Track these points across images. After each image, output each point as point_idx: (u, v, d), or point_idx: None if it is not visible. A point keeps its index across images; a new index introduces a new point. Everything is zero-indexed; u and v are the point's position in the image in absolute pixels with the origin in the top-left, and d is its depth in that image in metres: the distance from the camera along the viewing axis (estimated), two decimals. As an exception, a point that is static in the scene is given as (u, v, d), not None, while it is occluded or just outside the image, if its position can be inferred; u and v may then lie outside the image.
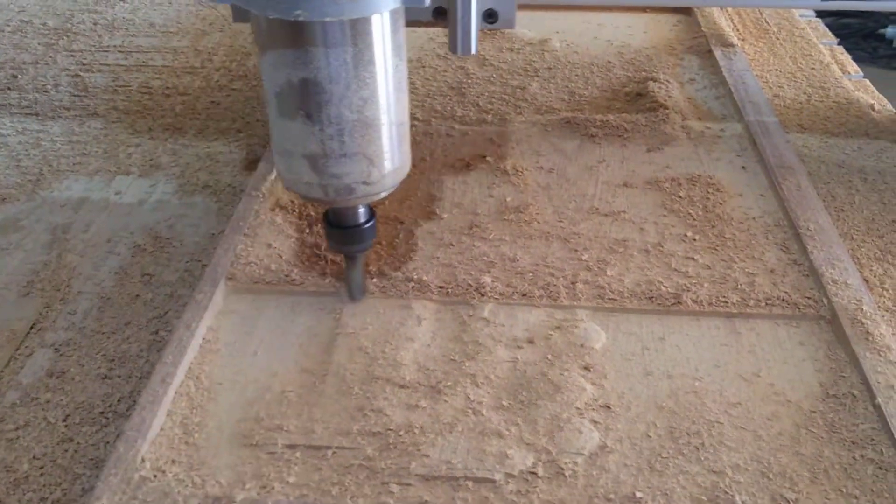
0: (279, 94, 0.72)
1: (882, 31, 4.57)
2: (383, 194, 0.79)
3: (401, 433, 0.76)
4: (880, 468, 0.73)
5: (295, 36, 0.67)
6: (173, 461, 0.74)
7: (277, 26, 0.68)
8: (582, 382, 0.81)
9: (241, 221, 1.01)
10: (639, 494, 0.71)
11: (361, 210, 0.83)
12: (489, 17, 0.82)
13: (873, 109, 1.38)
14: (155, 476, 0.72)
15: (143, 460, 0.73)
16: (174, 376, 0.80)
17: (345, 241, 0.85)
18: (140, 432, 0.75)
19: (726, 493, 0.71)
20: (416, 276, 0.94)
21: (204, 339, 0.87)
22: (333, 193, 0.76)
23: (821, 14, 1.76)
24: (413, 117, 1.27)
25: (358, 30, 0.68)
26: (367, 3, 0.66)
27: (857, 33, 4.60)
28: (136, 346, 0.91)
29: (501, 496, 0.71)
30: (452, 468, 0.73)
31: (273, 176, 1.09)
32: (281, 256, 0.97)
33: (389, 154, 0.76)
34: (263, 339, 0.87)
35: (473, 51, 0.76)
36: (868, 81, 1.50)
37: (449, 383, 0.81)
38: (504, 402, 0.79)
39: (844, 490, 0.71)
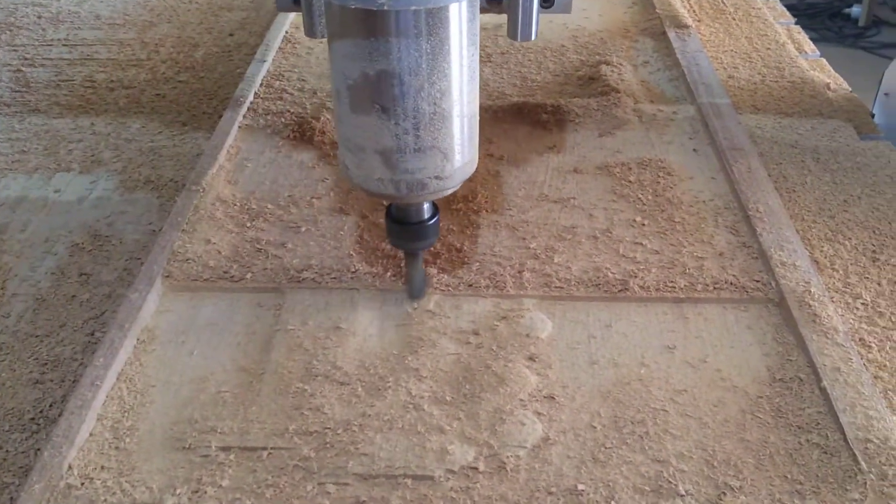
0: (352, 88, 0.68)
1: (847, 10, 4.59)
2: (452, 189, 0.76)
3: (339, 431, 0.74)
4: (825, 453, 0.72)
5: (375, 26, 0.64)
6: (102, 467, 0.71)
7: (356, 17, 0.65)
8: (526, 373, 0.80)
9: (180, 217, 0.98)
10: (581, 487, 0.69)
11: (426, 206, 0.80)
12: (545, 1, 0.78)
13: (829, 89, 1.37)
14: (82, 484, 0.70)
15: (69, 467, 0.71)
16: (105, 379, 0.78)
17: (409, 237, 0.81)
18: (67, 438, 0.72)
19: (669, 482, 0.70)
20: (360, 268, 0.92)
21: (138, 339, 0.84)
22: (405, 189, 0.73)
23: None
24: (361, 106, 1.24)
25: (439, 19, 0.65)
26: None
27: (823, 13, 4.62)
28: (71, 349, 0.88)
29: (441, 493, 0.69)
30: (391, 466, 0.71)
31: (214, 170, 1.07)
32: (220, 252, 0.94)
33: (461, 147, 0.73)
34: (200, 338, 0.84)
35: (534, 36, 0.73)
36: (825, 61, 1.49)
37: (390, 379, 0.79)
38: (446, 397, 0.77)
39: (789, 476, 0.70)
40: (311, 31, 0.72)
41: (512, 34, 0.74)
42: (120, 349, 0.81)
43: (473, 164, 0.77)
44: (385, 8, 0.63)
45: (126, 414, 0.76)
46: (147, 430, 0.75)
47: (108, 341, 0.82)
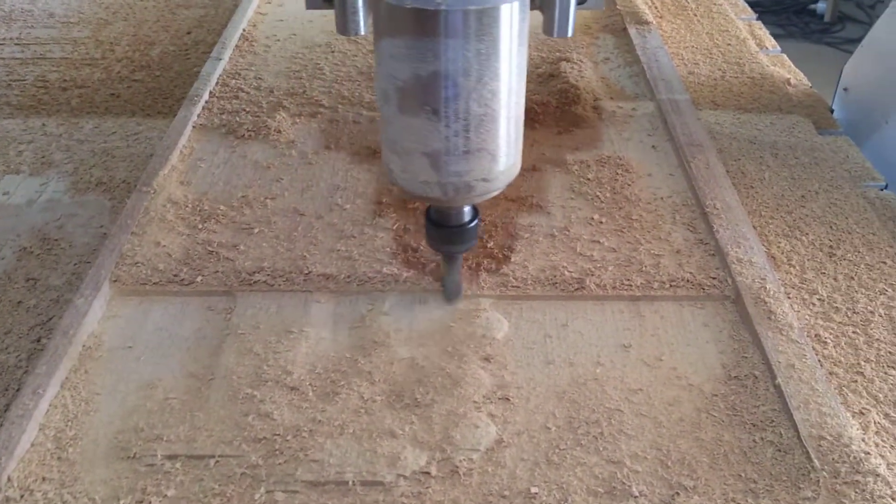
0: (401, 90, 0.67)
1: (813, 6, 4.62)
2: (496, 192, 0.74)
3: (288, 438, 0.72)
4: (779, 450, 0.71)
5: (429, 27, 0.63)
6: (44, 479, 0.69)
7: (410, 17, 0.63)
8: (481, 375, 0.79)
9: (129, 219, 0.96)
10: (534, 490, 0.68)
11: (467, 209, 0.78)
12: None
13: (789, 84, 1.38)
14: (22, 496, 0.67)
15: (9, 479, 0.69)
16: (48, 387, 0.76)
17: (449, 240, 0.80)
18: (7, 449, 0.70)
19: (623, 483, 0.69)
20: (314, 270, 0.90)
21: (84, 346, 0.82)
22: (452, 192, 0.71)
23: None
24: (319, 104, 1.22)
25: (494, 19, 0.63)
26: None
27: (789, 9, 4.66)
28: (15, 357, 0.85)
29: (392, 499, 0.67)
30: (342, 472, 0.69)
31: (166, 170, 1.04)
32: (170, 255, 0.92)
33: (508, 149, 0.71)
34: (149, 343, 0.82)
35: (570, 32, 0.71)
36: (785, 56, 1.50)
37: (342, 383, 0.77)
38: (399, 400, 0.76)
39: (743, 475, 0.69)
40: (344, 30, 0.69)
41: (548, 31, 0.71)
42: (64, 356, 0.79)
43: (518, 165, 0.75)
44: (442, 8, 0.61)
45: (70, 423, 0.74)
46: (91, 440, 0.73)
47: (52, 348, 0.79)
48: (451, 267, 0.84)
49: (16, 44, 1.51)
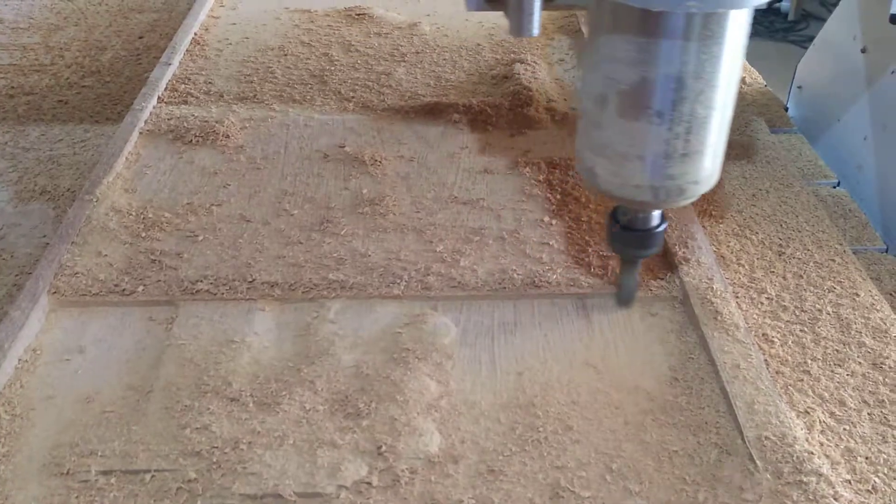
0: (623, 93, 0.65)
1: (777, 4, 4.67)
2: (700, 194, 0.73)
3: (226, 450, 0.70)
4: (724, 452, 0.71)
5: (670, 29, 0.61)
6: (-28, 499, 0.67)
7: (649, 20, 0.61)
8: (426, 381, 0.78)
9: (70, 229, 0.94)
10: (475, 500, 0.67)
11: (656, 213, 0.77)
12: None
13: (743, 83, 1.38)
14: (-51, 517, 0.66)
15: (-65, 501, 0.67)
16: (-21, 404, 0.74)
17: (637, 244, 0.78)
18: (-66, 469, 0.68)
19: (569, 489, 0.68)
20: (258, 278, 0.89)
21: (20, 359, 0.80)
22: (664, 195, 0.70)
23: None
24: (270, 108, 1.21)
25: (732, 22, 0.62)
26: None
27: (754, 8, 4.70)
28: (-50, 372, 0.83)
29: (332, 511, 0.66)
30: (280, 484, 0.68)
31: (110, 178, 1.02)
32: (112, 265, 0.90)
33: (718, 151, 0.70)
34: (87, 355, 0.80)
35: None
36: (741, 55, 1.50)
37: (284, 392, 0.76)
38: (342, 409, 0.75)
39: (688, 478, 0.69)
40: (519, 31, 0.66)
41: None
42: (-2, 371, 0.77)
43: (720, 168, 0.74)
44: (693, 10, 0.60)
45: (3, 440, 0.72)
46: (25, 456, 0.71)
47: (-14, 363, 0.77)
48: (631, 272, 0.83)
49: (-37, 50, 1.48)
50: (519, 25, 0.66)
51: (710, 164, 0.70)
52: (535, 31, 0.66)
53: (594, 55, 0.67)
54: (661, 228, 0.78)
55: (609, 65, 0.66)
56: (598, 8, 0.65)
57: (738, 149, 1.17)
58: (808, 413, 0.76)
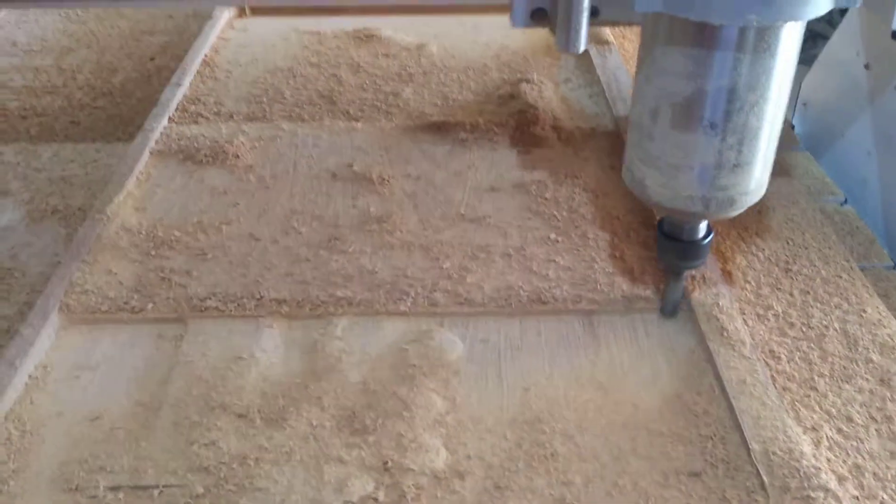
0: (677, 105, 0.67)
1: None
2: (750, 205, 0.74)
3: (234, 466, 0.71)
4: (730, 468, 0.71)
5: (728, 42, 0.63)
6: (-18, 514, 0.68)
7: (709, 33, 0.63)
8: (433, 398, 0.78)
9: (81, 247, 0.95)
10: (482, 514, 0.67)
11: (703, 224, 0.78)
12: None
13: (749, 101, 1.38)
14: (-41, 532, 0.66)
15: (-55, 516, 0.67)
16: (-10, 420, 0.74)
17: (685, 255, 0.79)
18: (-55, 485, 0.69)
19: (574, 505, 0.68)
20: (266, 295, 0.89)
21: (30, 376, 0.81)
22: (715, 207, 0.71)
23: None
24: (278, 128, 1.22)
25: (786, 36, 0.64)
26: (815, 4, 0.61)
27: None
28: (-38, 389, 0.84)
29: (338, 526, 0.66)
30: (287, 500, 0.68)
31: (121, 197, 1.04)
32: (122, 283, 0.91)
33: (768, 162, 0.71)
34: (96, 372, 0.81)
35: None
36: (746, 74, 1.51)
37: (291, 409, 0.76)
38: (349, 425, 0.75)
39: (695, 494, 0.69)
40: (567, 46, 0.67)
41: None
42: (8, 387, 0.77)
43: (768, 180, 0.75)
44: (755, 24, 0.61)
45: (13, 455, 0.73)
46: (34, 472, 0.71)
47: (-3, 379, 0.78)
48: (676, 283, 0.84)
49: (-23, 73, 1.50)
50: (566, 41, 0.66)
51: (759, 174, 0.71)
52: (582, 46, 0.67)
53: (648, 68, 0.68)
54: (708, 240, 0.78)
55: (664, 77, 0.67)
56: (654, 22, 0.66)
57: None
58: (816, 429, 0.76)
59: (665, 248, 0.80)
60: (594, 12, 0.66)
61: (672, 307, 0.86)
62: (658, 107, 0.68)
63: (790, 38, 0.64)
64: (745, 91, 0.65)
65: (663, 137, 0.69)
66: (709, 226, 0.79)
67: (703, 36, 0.63)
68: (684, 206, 0.72)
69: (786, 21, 0.62)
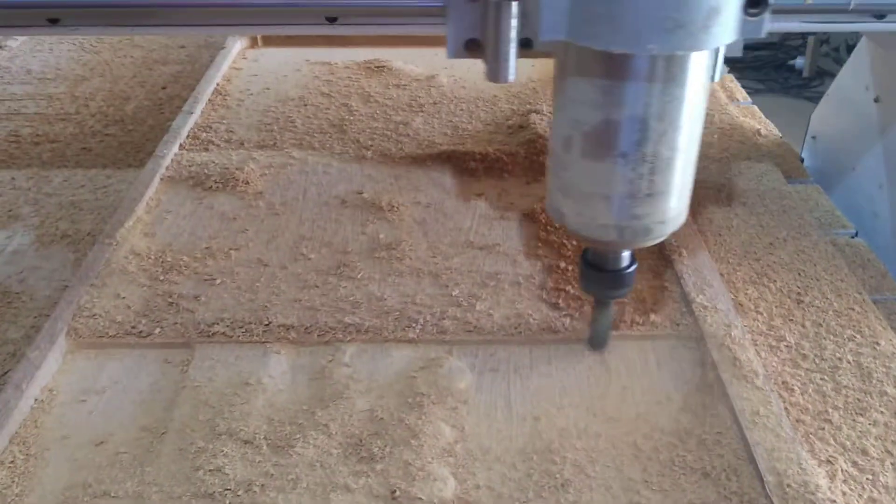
0: (588, 134, 0.66)
1: (792, 62, 4.72)
2: (667, 235, 0.73)
3: (239, 493, 0.70)
4: (743, 500, 0.69)
5: (632, 72, 0.62)
6: (-16, 539, 0.67)
7: (611, 62, 0.62)
8: (441, 426, 0.77)
9: (90, 271, 0.95)
10: (491, 545, 0.66)
11: (626, 254, 0.77)
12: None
13: (759, 134, 1.39)
14: (-41, 557, 0.65)
15: (-53, 540, 0.66)
16: (-5, 443, 0.74)
17: (607, 285, 0.79)
18: (-53, 508, 0.68)
19: (585, 536, 0.67)
20: (274, 321, 0.89)
21: (36, 399, 0.80)
22: (630, 236, 0.70)
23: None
24: (289, 156, 1.22)
25: (695, 62, 0.63)
26: (716, 34, 0.60)
27: (768, 64, 4.74)
28: (-33, 412, 0.83)
29: (345, 555, 0.65)
30: (292, 528, 0.67)
31: (130, 222, 1.04)
32: (129, 307, 0.91)
33: (683, 191, 0.71)
34: (102, 397, 0.81)
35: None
36: (756, 108, 1.51)
37: (298, 435, 0.75)
38: (356, 453, 0.74)
39: (707, 526, 0.68)
40: (496, 77, 0.68)
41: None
42: (14, 410, 0.77)
43: (687, 209, 0.74)
44: (654, 53, 0.61)
45: (17, 479, 0.72)
46: (38, 497, 0.71)
47: (3, 402, 0.77)
48: (604, 313, 0.83)
49: (-9, 100, 1.51)
50: (496, 71, 0.67)
51: (675, 203, 0.70)
52: (511, 76, 0.67)
53: (561, 97, 0.68)
54: (631, 269, 0.78)
55: (574, 107, 0.66)
56: (563, 51, 0.66)
57: (755, 198, 1.17)
58: (831, 462, 0.75)
59: (589, 278, 0.79)
60: (527, 44, 0.66)
61: (601, 339, 0.85)
62: (570, 136, 0.68)
63: (698, 66, 0.64)
64: (654, 121, 0.64)
65: (576, 167, 0.69)
66: (632, 255, 0.78)
67: (608, 65, 0.63)
68: (599, 235, 0.71)
69: (687, 51, 0.62)
